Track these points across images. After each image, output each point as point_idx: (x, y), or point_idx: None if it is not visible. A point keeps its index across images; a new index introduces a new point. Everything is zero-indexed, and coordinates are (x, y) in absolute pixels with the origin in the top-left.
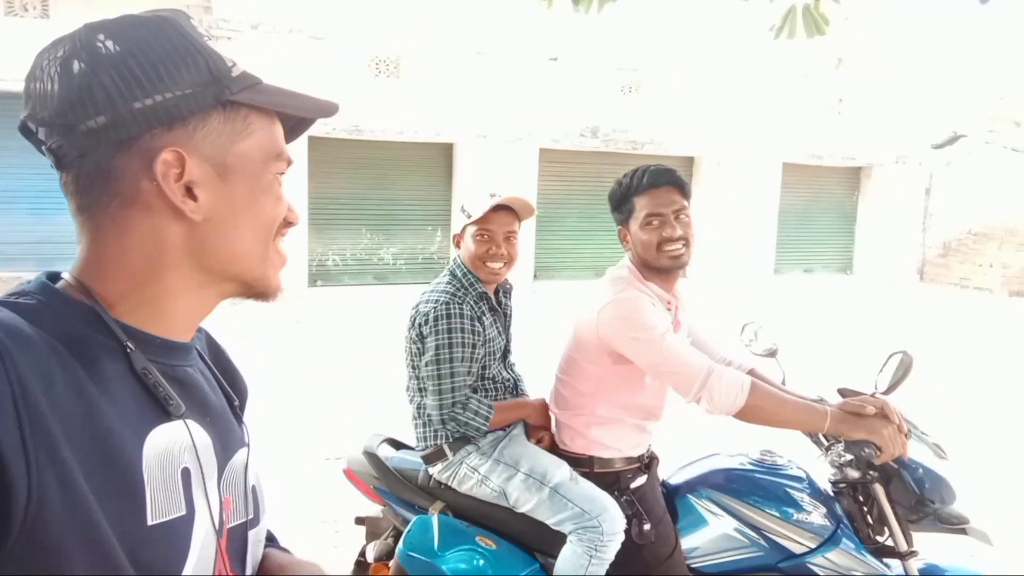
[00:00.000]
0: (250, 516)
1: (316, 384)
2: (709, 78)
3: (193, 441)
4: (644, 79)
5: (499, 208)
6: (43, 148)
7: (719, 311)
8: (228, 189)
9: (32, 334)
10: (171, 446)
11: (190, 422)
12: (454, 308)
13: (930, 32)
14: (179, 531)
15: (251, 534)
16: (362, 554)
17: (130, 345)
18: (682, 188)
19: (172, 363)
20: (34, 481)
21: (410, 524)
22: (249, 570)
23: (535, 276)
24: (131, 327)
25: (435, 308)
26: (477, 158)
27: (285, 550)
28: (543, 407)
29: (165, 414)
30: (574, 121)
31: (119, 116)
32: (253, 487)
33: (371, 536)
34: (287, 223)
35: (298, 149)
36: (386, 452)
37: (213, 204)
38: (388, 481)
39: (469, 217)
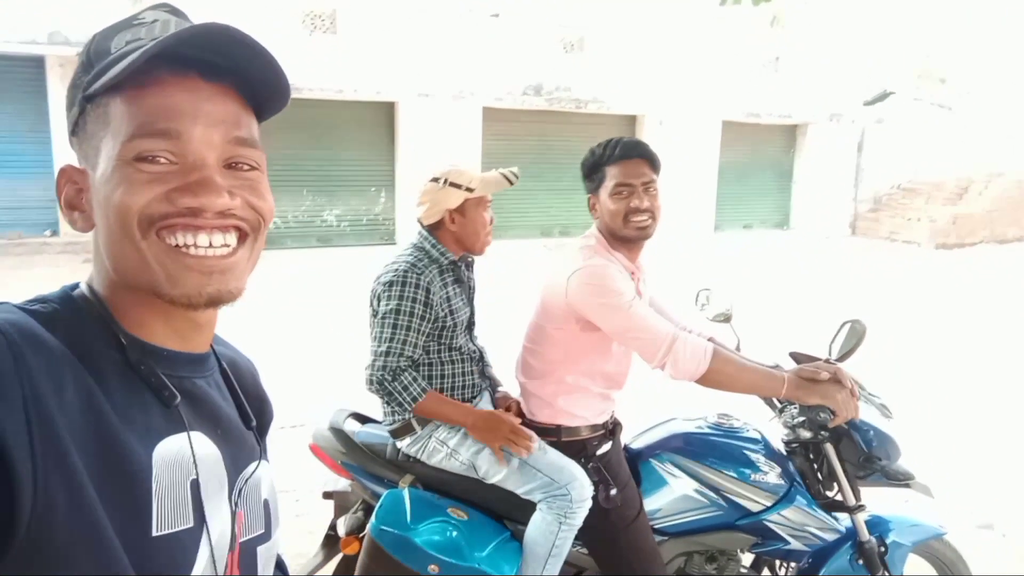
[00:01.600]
0: (261, 531)
1: (265, 352)
2: (650, 36)
3: (193, 453)
4: (587, 37)
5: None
6: None
7: (663, 269)
8: (98, 191)
9: (47, 339)
10: (180, 457)
11: (196, 434)
12: (411, 276)
13: None
14: (184, 544)
15: (261, 549)
16: (332, 528)
17: (123, 339)
18: (652, 162)
19: (179, 375)
20: (40, 484)
21: (382, 498)
22: None
23: None
24: (137, 338)
25: (393, 275)
26: (420, 117)
27: None
28: (487, 421)
29: (175, 424)
30: (517, 79)
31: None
32: (266, 501)
33: (340, 510)
34: (170, 212)
35: None
36: (352, 427)
37: (94, 211)
38: (356, 456)
39: (471, 191)
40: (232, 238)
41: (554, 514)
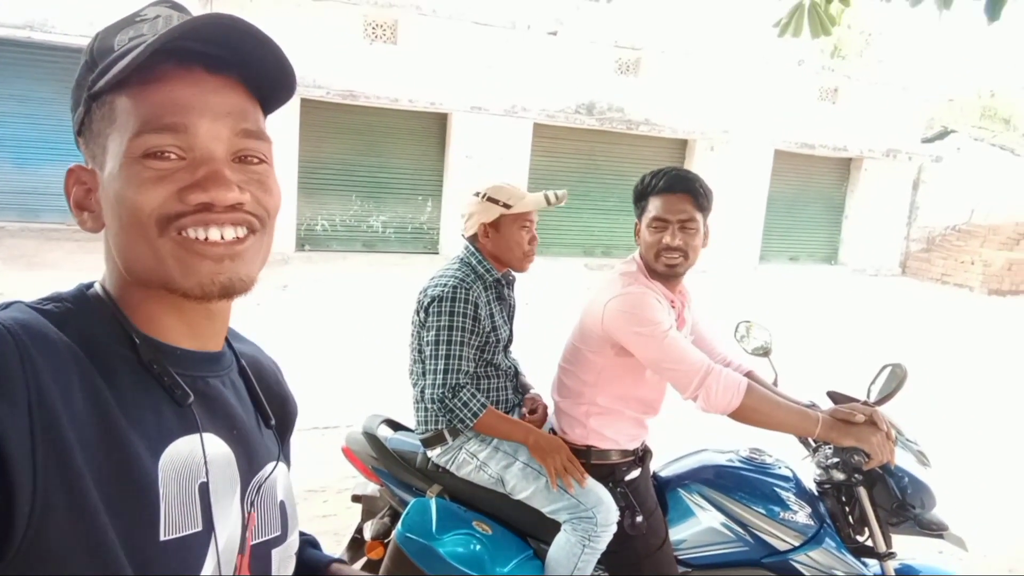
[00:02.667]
0: (277, 533)
1: (304, 352)
2: (706, 61)
3: (204, 455)
4: (642, 58)
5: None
6: None
7: (705, 298)
8: (107, 189)
9: (56, 339)
10: (190, 460)
11: (207, 435)
12: (460, 293)
13: (925, 25)
14: (193, 548)
15: (277, 551)
16: (358, 531)
17: (135, 338)
18: (696, 198)
19: (192, 374)
20: (40, 487)
21: (408, 506)
22: None
23: None
24: (150, 337)
25: (442, 291)
26: (471, 130)
27: (341, 561)
28: (549, 443)
29: (187, 425)
30: (570, 97)
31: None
32: (282, 503)
33: (367, 515)
34: (185, 211)
35: (290, 112)
36: (385, 433)
37: (104, 210)
38: (386, 462)
39: (508, 208)
40: (243, 231)
41: (578, 536)
